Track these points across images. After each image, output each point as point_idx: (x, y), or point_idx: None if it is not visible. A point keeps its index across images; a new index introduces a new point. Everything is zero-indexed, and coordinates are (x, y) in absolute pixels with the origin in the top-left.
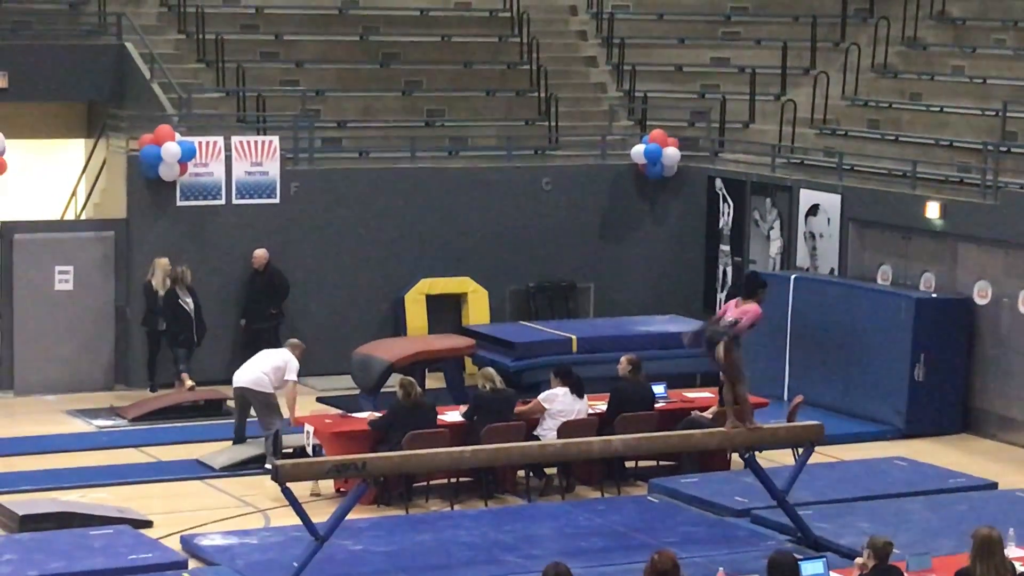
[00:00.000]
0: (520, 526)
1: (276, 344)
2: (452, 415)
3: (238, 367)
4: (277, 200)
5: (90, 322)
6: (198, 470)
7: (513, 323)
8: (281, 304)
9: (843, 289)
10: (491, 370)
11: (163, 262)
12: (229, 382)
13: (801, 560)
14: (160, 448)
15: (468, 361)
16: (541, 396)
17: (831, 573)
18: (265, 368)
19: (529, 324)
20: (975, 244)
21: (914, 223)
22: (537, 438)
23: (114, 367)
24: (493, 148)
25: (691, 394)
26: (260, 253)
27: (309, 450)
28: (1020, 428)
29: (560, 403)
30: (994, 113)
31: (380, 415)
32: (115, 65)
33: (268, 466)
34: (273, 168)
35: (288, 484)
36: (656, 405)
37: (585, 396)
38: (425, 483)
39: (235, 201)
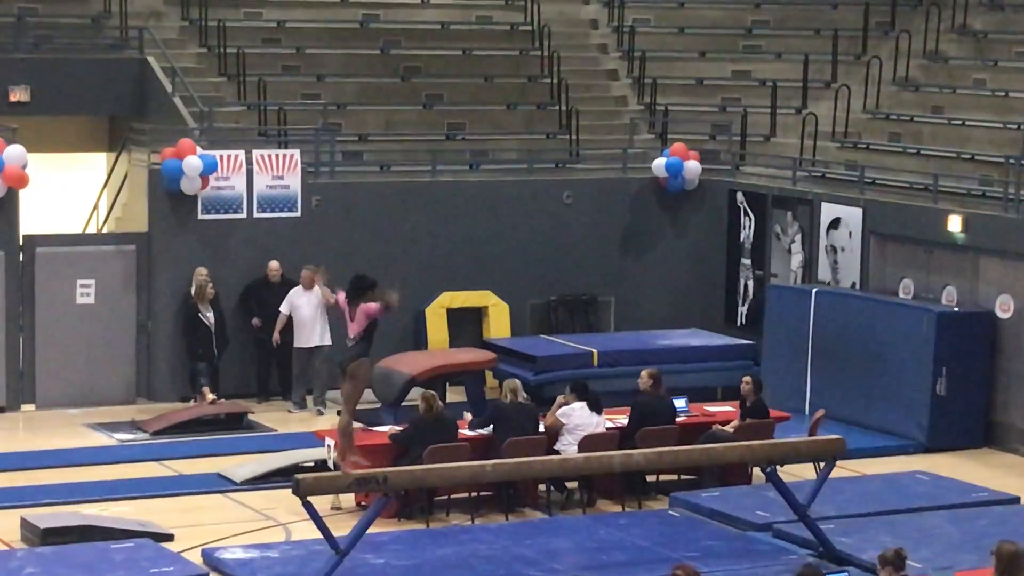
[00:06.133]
0: (541, 540)
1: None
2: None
3: (258, 381)
4: (298, 213)
5: (112, 335)
6: (219, 483)
7: (534, 337)
8: None
9: (865, 303)
10: (516, 382)
11: (201, 272)
12: (251, 395)
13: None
14: (181, 461)
15: (489, 375)
16: (558, 412)
17: None
18: (324, 321)
19: (550, 338)
20: (997, 258)
21: (936, 237)
22: (557, 453)
23: (135, 380)
24: (514, 161)
25: (712, 408)
26: (275, 265)
27: (331, 464)
28: None
29: (577, 418)
30: (1016, 127)
31: (401, 429)
32: (137, 79)
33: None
34: (294, 181)
35: (309, 498)
36: (677, 419)
37: (602, 411)
38: (446, 497)
39: (256, 214)
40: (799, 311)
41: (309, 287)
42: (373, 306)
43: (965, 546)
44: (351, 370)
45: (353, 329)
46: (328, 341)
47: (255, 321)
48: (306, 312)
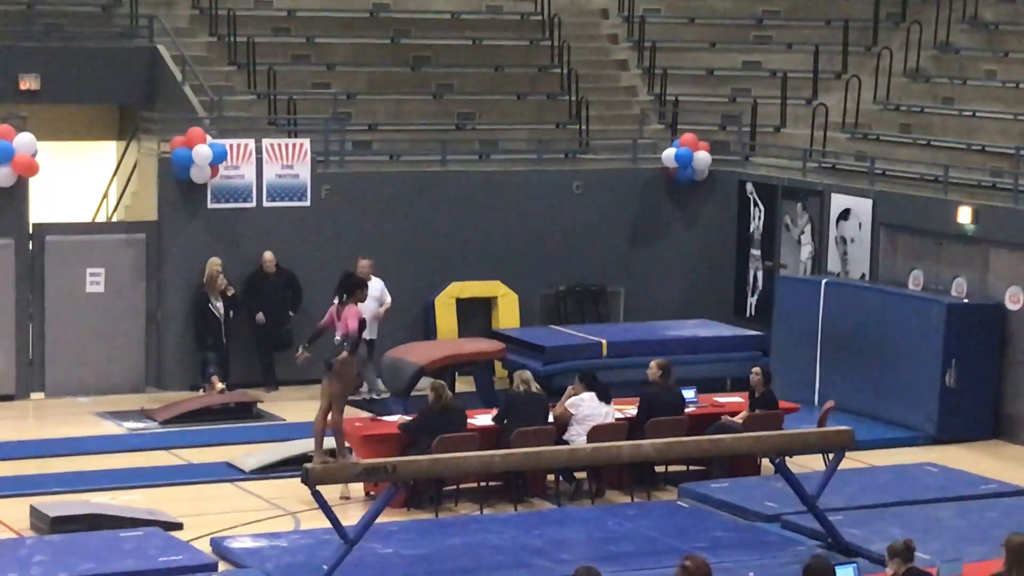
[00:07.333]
0: (550, 530)
1: (290, 346)
2: (482, 419)
3: (264, 370)
4: (308, 203)
5: (121, 324)
6: (228, 472)
7: (543, 327)
8: (299, 306)
9: (874, 294)
10: (528, 373)
11: (215, 262)
12: (259, 385)
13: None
14: (190, 450)
15: (498, 365)
16: (567, 402)
17: None
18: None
19: (559, 328)
20: (1007, 249)
21: (946, 228)
22: (566, 443)
23: (145, 369)
24: (524, 151)
25: (721, 398)
26: (269, 256)
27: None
28: None
29: (586, 408)
30: None
31: (410, 418)
32: (147, 67)
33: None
34: (304, 171)
35: (318, 487)
36: (686, 409)
37: (611, 401)
38: (455, 487)
39: (266, 204)
40: (808, 302)
41: (368, 278)
42: (354, 324)
43: (974, 538)
44: (337, 369)
45: (340, 330)
46: (375, 335)
47: (259, 317)
48: (367, 304)
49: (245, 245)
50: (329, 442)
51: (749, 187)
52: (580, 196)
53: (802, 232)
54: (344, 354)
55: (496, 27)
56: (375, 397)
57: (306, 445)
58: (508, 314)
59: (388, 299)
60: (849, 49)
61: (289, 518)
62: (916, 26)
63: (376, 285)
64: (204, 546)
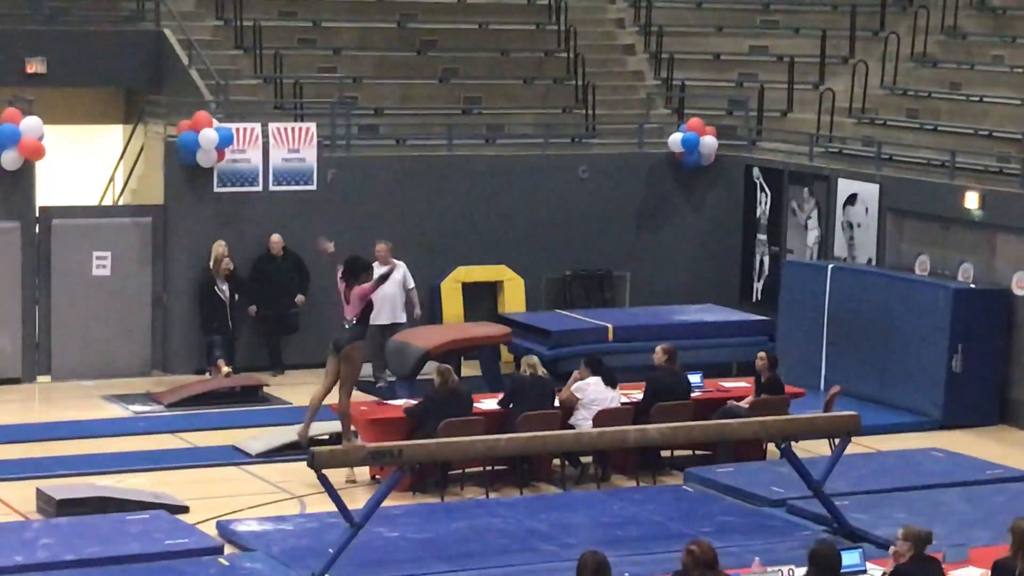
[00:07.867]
0: (555, 514)
1: (296, 330)
2: (488, 403)
3: (270, 354)
4: (314, 187)
5: (127, 308)
6: (234, 456)
7: (549, 311)
8: (308, 289)
9: (881, 279)
10: (535, 358)
11: (220, 245)
12: (265, 368)
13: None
14: (196, 434)
15: (504, 349)
16: (573, 387)
17: (867, 564)
18: (402, 298)
19: (565, 312)
20: (1014, 234)
21: (952, 213)
22: (572, 427)
23: (151, 353)
24: (530, 136)
25: (727, 383)
26: (276, 238)
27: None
28: None
29: (592, 392)
30: None
31: (416, 402)
32: (153, 51)
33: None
34: (310, 155)
35: (324, 471)
36: (692, 394)
37: (617, 386)
38: (460, 471)
39: (272, 188)
40: (815, 287)
41: (385, 262)
42: (366, 287)
43: (979, 523)
44: (346, 353)
45: (349, 311)
46: (403, 319)
47: (251, 309)
48: (387, 288)
49: (251, 229)
50: (335, 425)
51: (756, 172)
52: (586, 181)
53: (808, 217)
54: (356, 341)
55: (502, 11)
56: (381, 386)
57: (312, 429)
58: (514, 298)
59: (412, 283)
60: (856, 34)
61: (295, 501)
62: (923, 11)
63: (399, 269)
64: (210, 529)
